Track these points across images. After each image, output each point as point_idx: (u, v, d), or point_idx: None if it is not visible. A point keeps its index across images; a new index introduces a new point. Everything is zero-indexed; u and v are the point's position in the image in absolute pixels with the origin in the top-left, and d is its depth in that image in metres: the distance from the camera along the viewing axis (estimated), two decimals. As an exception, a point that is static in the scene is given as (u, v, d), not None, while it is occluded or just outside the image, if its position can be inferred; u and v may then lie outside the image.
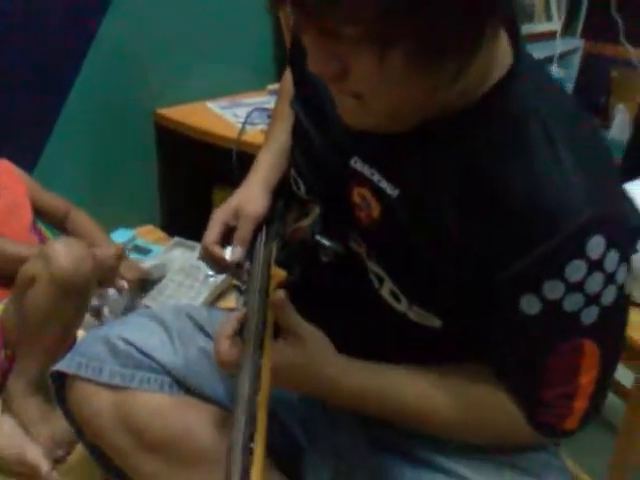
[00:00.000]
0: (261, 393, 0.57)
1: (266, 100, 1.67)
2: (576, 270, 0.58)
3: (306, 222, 0.78)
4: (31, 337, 0.99)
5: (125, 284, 1.23)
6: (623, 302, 0.63)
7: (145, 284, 1.32)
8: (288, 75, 0.88)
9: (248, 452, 0.52)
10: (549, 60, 2.20)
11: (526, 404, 0.66)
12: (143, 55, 1.48)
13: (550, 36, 2.21)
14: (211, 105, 1.62)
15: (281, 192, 0.89)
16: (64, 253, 0.95)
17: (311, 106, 0.76)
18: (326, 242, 0.72)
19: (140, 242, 1.44)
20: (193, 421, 0.78)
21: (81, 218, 1.29)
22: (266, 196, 0.87)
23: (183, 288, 1.29)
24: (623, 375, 1.36)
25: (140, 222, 1.61)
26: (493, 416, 0.68)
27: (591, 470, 1.32)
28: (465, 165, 0.62)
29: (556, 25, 2.23)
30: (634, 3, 2.25)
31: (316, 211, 0.78)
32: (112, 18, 1.38)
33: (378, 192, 0.68)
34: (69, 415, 0.83)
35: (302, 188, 0.81)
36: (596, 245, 0.57)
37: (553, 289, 0.59)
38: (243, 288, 0.92)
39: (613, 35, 2.29)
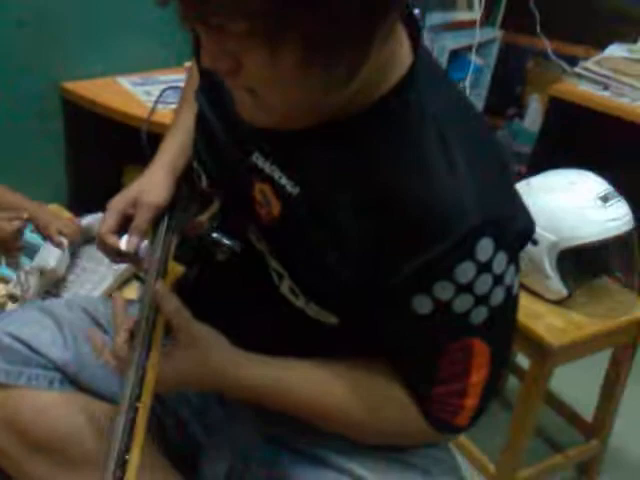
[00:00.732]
0: (142, 401, 0.55)
1: (181, 78, 1.61)
2: (465, 272, 0.59)
3: (205, 216, 0.76)
4: None
5: (64, 240, 1.18)
6: (512, 302, 0.65)
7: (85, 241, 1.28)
8: None
9: (122, 464, 0.50)
10: (468, 48, 2.24)
11: (420, 400, 0.67)
12: (50, 24, 1.39)
13: (470, 25, 2.25)
14: (122, 81, 1.55)
15: (186, 179, 0.86)
16: None
17: (214, 98, 0.74)
18: (223, 240, 0.70)
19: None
20: (82, 420, 0.75)
21: None
22: (169, 184, 0.84)
23: (87, 273, 1.25)
24: (521, 357, 1.44)
25: (45, 201, 1.53)
26: (390, 411, 0.69)
27: (489, 449, 1.39)
28: (361, 166, 0.62)
29: (477, 14, 2.27)
30: (550, -3, 2.32)
31: (216, 205, 0.76)
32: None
33: (278, 189, 0.67)
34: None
35: (204, 180, 0.79)
36: (485, 247, 0.59)
37: (443, 290, 0.60)
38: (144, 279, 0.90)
39: (530, 27, 2.36)
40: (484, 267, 0.59)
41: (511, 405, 1.56)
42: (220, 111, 0.73)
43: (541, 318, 1.25)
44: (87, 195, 1.60)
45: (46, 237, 1.21)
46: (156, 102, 1.43)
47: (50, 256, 1.19)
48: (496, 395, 0.68)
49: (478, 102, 2.45)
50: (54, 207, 1.54)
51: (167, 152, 0.87)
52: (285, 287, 0.70)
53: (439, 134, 0.60)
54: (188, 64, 1.70)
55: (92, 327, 0.83)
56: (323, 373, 0.68)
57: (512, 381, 1.65)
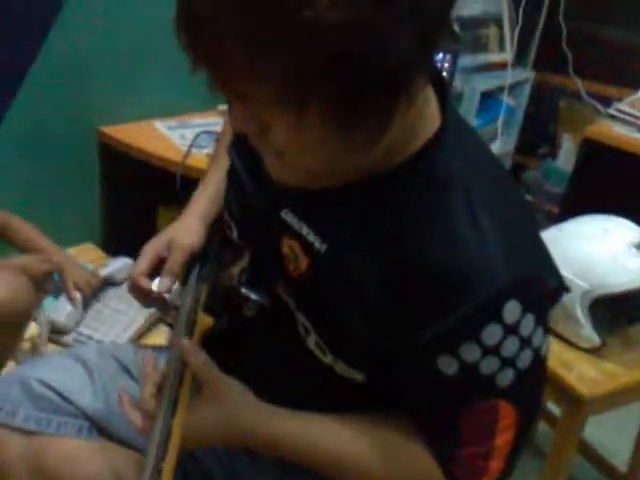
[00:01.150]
0: (167, 461, 0.55)
1: (216, 121, 1.65)
2: (492, 334, 0.59)
3: (235, 269, 0.77)
4: None
5: (78, 296, 1.21)
6: (539, 364, 0.64)
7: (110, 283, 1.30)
8: None
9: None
10: (500, 89, 2.24)
11: (443, 460, 0.66)
12: (88, 70, 1.44)
13: (502, 66, 2.25)
14: (159, 125, 1.59)
15: (217, 229, 0.88)
16: (1, 285, 0.91)
17: (246, 153, 0.75)
18: (251, 295, 0.71)
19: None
20: (107, 470, 0.76)
21: (20, 227, 1.25)
22: (202, 230, 0.86)
23: (119, 314, 1.26)
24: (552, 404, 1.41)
25: (80, 240, 1.57)
26: (412, 469, 0.68)
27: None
28: (387, 227, 0.63)
29: (508, 55, 2.28)
30: (583, 38, 2.32)
31: (246, 257, 0.77)
32: (58, 31, 1.34)
33: (306, 246, 0.68)
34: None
35: (234, 231, 0.80)
36: (512, 310, 0.58)
37: (470, 352, 0.59)
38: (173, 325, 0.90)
39: (562, 67, 2.36)
40: (511, 330, 0.59)
41: (542, 452, 1.52)
42: (251, 166, 0.75)
43: (573, 367, 1.22)
44: (120, 235, 1.63)
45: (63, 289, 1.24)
46: (190, 146, 1.46)
47: (62, 310, 1.21)
48: (527, 442, 0.67)
49: (510, 142, 2.44)
50: (87, 246, 1.58)
51: (200, 202, 0.89)
52: (312, 342, 0.70)
53: (466, 195, 0.60)
54: (222, 107, 1.74)
55: (122, 375, 0.84)
56: (347, 429, 0.68)
57: (543, 427, 1.61)
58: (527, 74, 2.41)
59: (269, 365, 0.75)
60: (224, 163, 0.87)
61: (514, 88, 2.32)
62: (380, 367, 0.66)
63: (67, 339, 1.21)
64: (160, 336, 1.23)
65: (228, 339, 0.77)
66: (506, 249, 0.59)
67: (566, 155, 2.42)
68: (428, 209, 0.61)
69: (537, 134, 2.55)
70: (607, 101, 2.23)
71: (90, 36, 1.41)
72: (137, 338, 1.25)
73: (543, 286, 0.62)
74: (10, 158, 1.37)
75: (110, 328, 1.23)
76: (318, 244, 0.67)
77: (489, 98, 2.18)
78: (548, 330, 0.64)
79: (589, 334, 1.23)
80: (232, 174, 0.80)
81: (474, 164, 0.64)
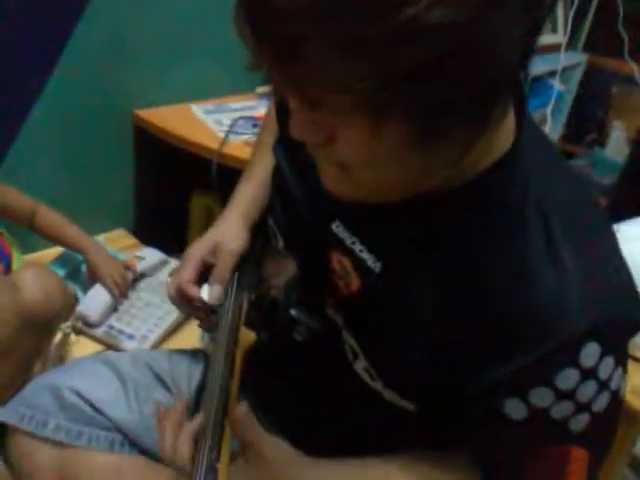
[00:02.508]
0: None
1: (253, 105, 1.58)
2: (567, 379, 0.52)
3: (281, 280, 0.71)
4: None
5: (116, 292, 1.19)
6: (616, 405, 0.58)
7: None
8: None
9: None
10: (551, 74, 2.13)
11: None
12: (124, 52, 1.38)
13: (554, 49, 2.14)
14: (195, 108, 1.53)
15: (260, 231, 0.82)
16: (35, 284, 0.88)
17: (295, 156, 0.69)
18: (303, 317, 0.65)
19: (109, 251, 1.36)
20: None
21: (49, 215, 1.22)
22: (246, 234, 0.81)
23: (151, 308, 1.23)
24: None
25: (112, 225, 1.53)
26: None
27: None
28: (452, 250, 0.56)
29: (561, 37, 2.16)
30: (641, 19, 2.19)
31: (291, 269, 0.71)
32: (94, 12, 1.28)
33: (359, 263, 0.62)
34: (10, 466, 0.77)
35: (279, 239, 0.74)
36: (591, 353, 0.52)
37: (541, 397, 0.53)
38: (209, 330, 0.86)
39: (617, 50, 2.23)
40: (589, 374, 0.52)
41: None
42: (299, 170, 0.68)
43: (628, 379, 1.15)
44: (153, 222, 1.59)
45: (100, 283, 1.21)
46: (227, 133, 1.40)
47: (93, 303, 1.17)
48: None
49: (557, 129, 2.33)
50: (119, 233, 1.54)
51: (241, 200, 0.84)
52: (360, 366, 0.64)
53: (544, 225, 0.53)
54: (260, 89, 1.67)
55: (156, 387, 0.80)
56: (402, 475, 0.62)
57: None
58: (579, 57, 2.29)
59: (312, 386, 0.70)
60: (267, 158, 0.81)
61: (564, 72, 2.20)
62: (435, 402, 0.60)
63: (98, 332, 1.17)
64: (193, 332, 1.19)
65: (269, 355, 0.72)
66: (587, 285, 0.52)
67: (616, 144, 2.31)
68: (501, 233, 0.54)
69: (585, 121, 2.43)
70: (665, 88, 2.11)
71: (126, 17, 1.36)
72: (170, 334, 1.21)
73: (625, 324, 0.55)
74: (43, 140, 1.33)
75: (142, 322, 1.20)
76: (372, 262, 0.60)
77: (539, 83, 2.07)
78: (626, 370, 0.58)
79: (645, 344, 1.16)
80: (277, 176, 0.74)
81: (552, 183, 0.56)
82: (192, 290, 0.76)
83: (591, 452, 0.57)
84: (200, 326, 0.86)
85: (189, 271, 0.77)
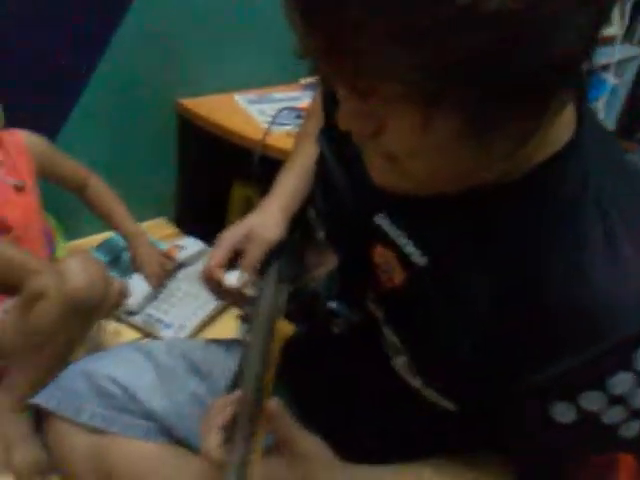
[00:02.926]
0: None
1: (298, 95, 1.57)
2: (621, 383, 0.49)
3: (321, 272, 0.70)
4: (29, 352, 0.93)
5: (154, 281, 1.20)
6: None
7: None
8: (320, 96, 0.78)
9: None
10: (606, 68, 2.05)
11: None
12: (170, 40, 1.38)
13: (609, 41, 2.06)
14: (238, 98, 1.52)
15: (299, 222, 0.81)
16: (79, 271, 0.89)
17: (340, 146, 0.67)
18: (341, 310, 0.63)
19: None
20: (175, 476, 0.71)
21: (101, 188, 1.24)
22: (284, 224, 0.80)
23: (189, 298, 1.22)
24: None
25: (153, 214, 1.54)
26: None
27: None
28: (506, 247, 0.53)
29: (616, 30, 2.07)
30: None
31: (332, 261, 0.69)
32: (139, 3, 1.29)
33: (403, 257, 0.59)
34: (48, 450, 0.78)
35: (320, 230, 0.72)
36: None
37: (592, 400, 0.50)
38: (246, 321, 0.85)
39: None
40: None
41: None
42: (344, 160, 0.66)
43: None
44: (194, 212, 1.60)
45: (140, 271, 1.21)
46: (271, 124, 1.38)
47: (134, 295, 1.17)
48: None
49: (609, 124, 2.25)
50: (161, 221, 1.55)
51: (283, 191, 0.83)
52: (399, 362, 0.62)
53: (604, 222, 0.50)
54: (304, 80, 1.66)
55: (191, 376, 0.79)
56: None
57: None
58: (635, 51, 2.20)
59: (349, 381, 0.69)
60: (310, 148, 0.80)
61: (619, 66, 2.12)
62: (478, 402, 0.57)
63: (136, 320, 1.18)
64: (230, 322, 1.19)
65: (307, 349, 0.70)
66: None
67: (672, 143, 2.22)
68: (554, 231, 0.51)
69: (638, 116, 2.34)
70: None
71: (173, 5, 1.36)
72: (207, 323, 1.21)
73: None
74: (88, 127, 1.34)
75: (180, 311, 1.20)
76: (417, 257, 0.58)
77: (593, 76, 1.99)
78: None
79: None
80: (321, 166, 0.72)
81: (613, 179, 0.53)
82: (218, 274, 0.76)
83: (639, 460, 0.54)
84: (238, 316, 0.86)
85: (219, 256, 0.77)
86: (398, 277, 0.60)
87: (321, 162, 0.71)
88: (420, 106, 0.42)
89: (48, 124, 1.26)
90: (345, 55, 0.40)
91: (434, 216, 0.56)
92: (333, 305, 0.63)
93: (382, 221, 0.61)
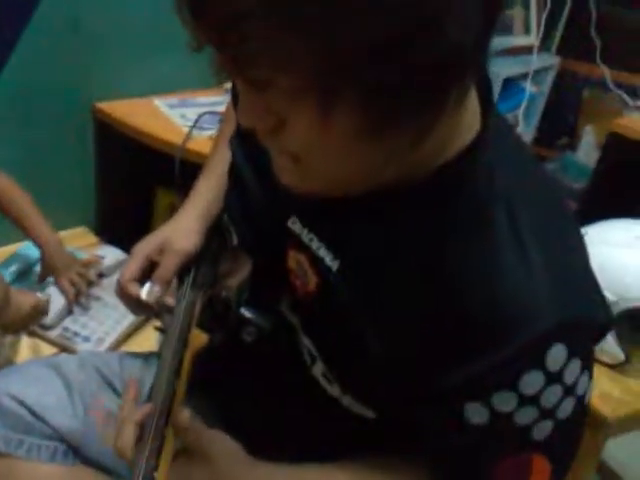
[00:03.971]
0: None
1: (221, 100, 1.54)
2: (532, 382, 0.50)
3: (234, 280, 0.68)
4: None
5: (71, 294, 1.13)
6: (581, 412, 0.56)
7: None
8: None
9: None
10: (523, 76, 2.12)
11: None
12: (85, 40, 1.32)
13: (527, 51, 2.13)
14: (158, 102, 1.48)
15: (218, 230, 0.79)
16: None
17: (250, 148, 0.66)
18: (252, 317, 0.62)
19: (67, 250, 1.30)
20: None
21: (9, 188, 1.12)
22: (200, 232, 0.78)
23: (108, 309, 1.18)
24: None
25: (73, 223, 1.48)
26: None
27: None
28: (415, 247, 0.53)
29: (533, 39, 2.15)
30: (613, 25, 2.20)
31: (246, 269, 0.68)
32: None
33: (316, 262, 0.59)
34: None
35: (234, 236, 0.71)
36: (557, 355, 0.50)
37: (504, 401, 0.51)
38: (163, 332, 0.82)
39: (589, 55, 2.24)
40: (554, 377, 0.50)
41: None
42: (256, 163, 0.65)
43: (595, 384, 1.13)
44: (116, 220, 1.54)
45: (56, 283, 1.15)
46: (192, 128, 1.36)
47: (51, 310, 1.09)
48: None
49: (528, 132, 2.33)
50: (80, 230, 1.49)
51: (200, 198, 0.81)
52: (317, 370, 0.61)
53: (511, 222, 0.50)
54: (228, 85, 1.63)
55: (105, 391, 0.76)
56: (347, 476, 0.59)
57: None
58: (552, 60, 2.29)
59: (267, 391, 0.67)
60: (227, 153, 0.78)
61: (537, 74, 2.20)
62: (394, 407, 0.57)
63: (52, 334, 1.12)
64: (153, 334, 1.15)
65: (222, 359, 0.68)
66: (554, 284, 0.50)
67: (587, 148, 2.31)
68: (465, 230, 0.52)
69: (557, 124, 2.43)
70: (635, 92, 2.11)
71: (89, 3, 1.31)
72: (128, 336, 1.17)
73: (592, 325, 0.53)
74: (-2, 132, 1.28)
75: (99, 324, 1.15)
76: (329, 261, 0.57)
77: (511, 84, 2.06)
78: (592, 375, 0.56)
79: (613, 349, 1.15)
80: (233, 171, 0.71)
81: (518, 178, 0.54)
82: (132, 288, 0.74)
83: (554, 462, 0.55)
84: (156, 328, 0.83)
85: (131, 269, 0.75)
86: (312, 282, 0.59)
87: (233, 167, 0.70)
88: (316, 101, 0.41)
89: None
90: (236, 45, 0.39)
91: (344, 218, 0.56)
92: (244, 312, 0.62)
93: (294, 225, 0.61)
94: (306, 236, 0.59)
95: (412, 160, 0.49)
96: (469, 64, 0.42)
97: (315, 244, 0.59)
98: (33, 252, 1.20)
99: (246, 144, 0.67)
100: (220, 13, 0.38)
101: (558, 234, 0.54)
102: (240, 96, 0.46)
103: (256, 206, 0.66)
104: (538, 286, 0.49)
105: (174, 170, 1.33)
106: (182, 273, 0.77)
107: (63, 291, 1.14)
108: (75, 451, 0.71)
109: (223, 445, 0.57)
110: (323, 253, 0.58)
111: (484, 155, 0.52)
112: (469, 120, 0.52)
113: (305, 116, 0.43)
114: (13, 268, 1.21)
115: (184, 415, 0.56)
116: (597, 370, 1.15)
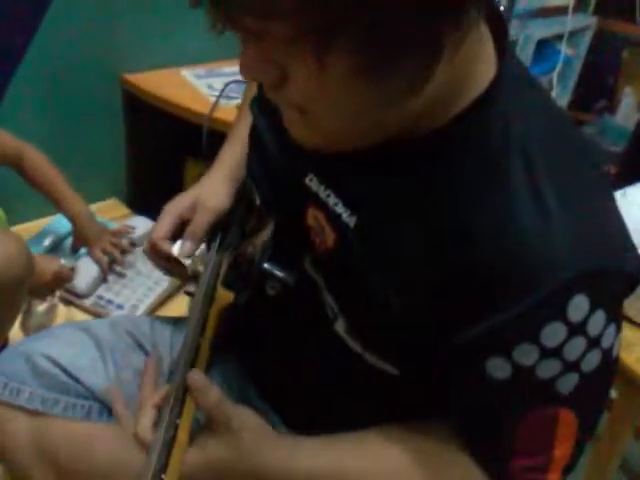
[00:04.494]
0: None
1: (247, 69, 1.53)
2: (554, 334, 0.49)
3: (259, 239, 0.68)
4: None
5: (104, 262, 1.16)
6: (608, 367, 0.54)
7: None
8: None
9: None
10: (558, 37, 2.06)
11: (494, 475, 0.57)
12: (111, 13, 1.33)
13: (562, 11, 2.06)
14: (186, 73, 1.49)
15: (243, 194, 0.79)
16: None
17: (269, 109, 0.65)
18: (275, 271, 0.62)
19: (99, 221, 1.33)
20: (122, 455, 0.69)
21: (38, 160, 1.14)
22: (229, 193, 0.79)
23: (141, 277, 1.20)
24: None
25: (104, 195, 1.50)
26: None
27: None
28: (431, 199, 0.53)
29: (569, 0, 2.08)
30: (654, -21, 2.11)
31: (269, 228, 0.68)
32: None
33: (333, 218, 0.58)
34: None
35: (257, 197, 0.71)
36: (579, 306, 0.48)
37: (526, 354, 0.50)
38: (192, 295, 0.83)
39: (628, 13, 2.15)
40: (577, 329, 0.49)
41: (595, 435, 1.43)
42: (274, 124, 0.65)
43: (634, 347, 1.11)
44: (146, 190, 1.56)
45: (89, 254, 1.17)
46: (218, 97, 1.36)
47: (82, 272, 1.14)
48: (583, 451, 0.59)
49: (565, 95, 2.26)
50: (112, 202, 1.51)
51: (226, 161, 0.81)
52: (340, 326, 0.61)
53: (528, 169, 0.49)
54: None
55: (135, 352, 0.77)
56: (384, 449, 0.58)
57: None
58: (588, 20, 2.21)
59: (292, 348, 0.68)
60: (250, 118, 0.78)
61: (573, 36, 2.13)
62: (417, 364, 0.57)
63: (86, 303, 1.15)
64: (185, 302, 1.17)
65: (248, 317, 0.69)
66: (575, 233, 0.48)
67: (627, 110, 2.24)
68: (481, 179, 0.50)
69: (594, 87, 2.36)
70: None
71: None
72: (160, 303, 1.19)
73: (618, 275, 0.51)
74: (28, 106, 1.29)
75: (132, 292, 1.17)
76: (346, 217, 0.57)
77: (546, 46, 2.00)
78: (620, 328, 0.54)
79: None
80: (254, 133, 0.71)
81: (537, 124, 0.52)
82: (164, 245, 0.74)
83: (581, 417, 0.54)
84: (186, 292, 0.84)
85: (163, 227, 0.75)
86: (330, 239, 0.59)
87: (254, 129, 0.71)
88: (312, 46, 0.42)
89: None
90: None
91: (359, 174, 0.56)
92: (267, 267, 0.62)
93: (311, 182, 0.61)
94: (323, 193, 0.59)
95: (419, 111, 0.48)
96: (465, 4, 0.41)
97: (332, 200, 0.58)
98: (63, 225, 1.22)
99: (265, 106, 0.67)
100: None
101: (578, 179, 0.52)
102: (242, 48, 0.46)
103: (275, 165, 0.66)
104: (557, 235, 0.48)
105: (202, 140, 1.33)
106: (210, 237, 0.78)
107: (96, 260, 1.17)
108: (110, 410, 0.72)
109: (248, 419, 0.57)
110: (340, 209, 0.58)
111: (499, 103, 0.51)
112: (483, 69, 0.51)
113: (302, 66, 0.43)
114: (46, 242, 1.24)
115: (197, 376, 0.56)
116: (638, 334, 1.13)
